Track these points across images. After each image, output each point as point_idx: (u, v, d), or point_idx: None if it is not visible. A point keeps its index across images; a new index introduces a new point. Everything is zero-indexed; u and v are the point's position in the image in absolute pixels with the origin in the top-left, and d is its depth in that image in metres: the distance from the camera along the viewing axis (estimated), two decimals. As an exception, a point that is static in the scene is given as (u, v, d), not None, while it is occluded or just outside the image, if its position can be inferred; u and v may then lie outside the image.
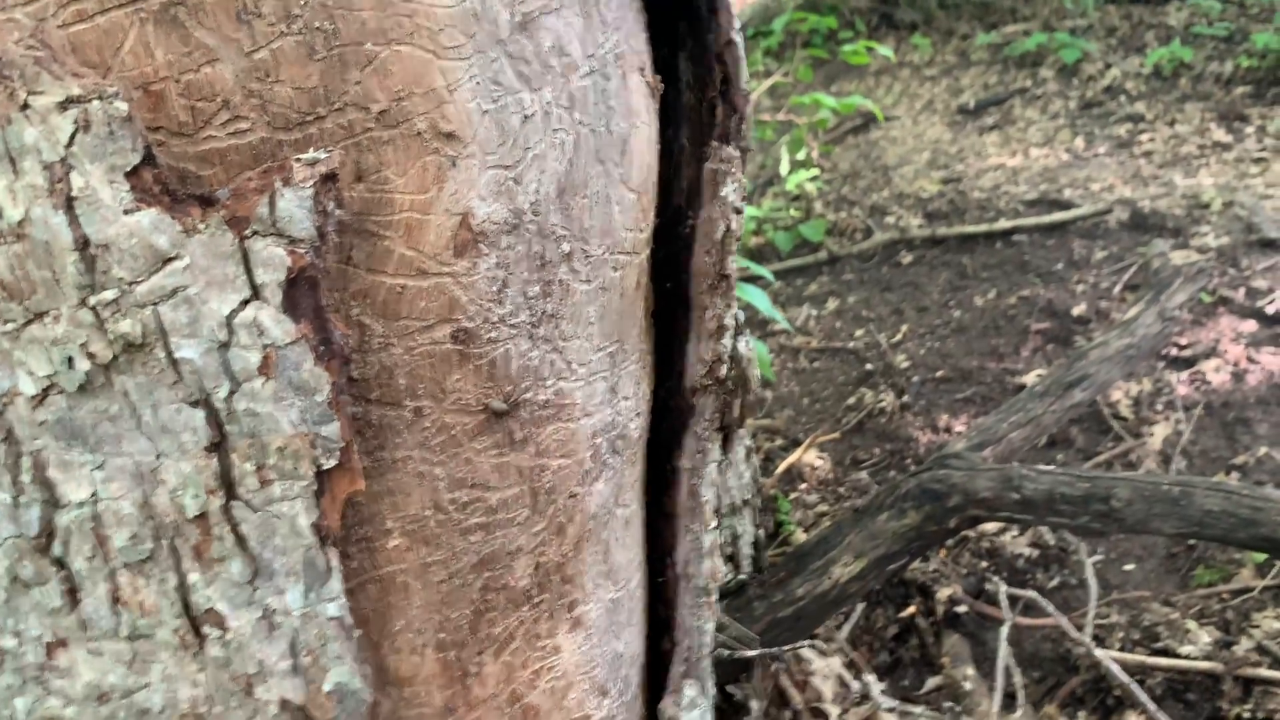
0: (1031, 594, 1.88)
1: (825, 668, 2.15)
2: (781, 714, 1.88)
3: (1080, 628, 2.01)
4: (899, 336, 3.88)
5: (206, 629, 0.62)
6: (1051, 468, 1.64)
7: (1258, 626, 2.48)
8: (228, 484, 0.58)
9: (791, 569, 1.87)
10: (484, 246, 0.63)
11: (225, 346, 0.55)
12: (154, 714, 0.65)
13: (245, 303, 0.54)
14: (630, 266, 0.75)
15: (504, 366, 0.68)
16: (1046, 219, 4.05)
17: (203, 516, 0.58)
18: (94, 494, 0.57)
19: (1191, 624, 2.53)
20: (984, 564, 2.96)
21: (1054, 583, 2.81)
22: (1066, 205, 4.12)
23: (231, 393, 0.56)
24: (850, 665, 2.23)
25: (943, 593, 2.83)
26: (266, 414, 0.57)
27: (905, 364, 3.72)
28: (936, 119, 5.39)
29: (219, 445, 0.57)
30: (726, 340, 0.84)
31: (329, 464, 0.60)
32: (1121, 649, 2.41)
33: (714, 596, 0.96)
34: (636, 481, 0.90)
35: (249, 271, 0.54)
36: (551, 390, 0.72)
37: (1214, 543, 1.92)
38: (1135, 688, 1.75)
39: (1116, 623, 2.53)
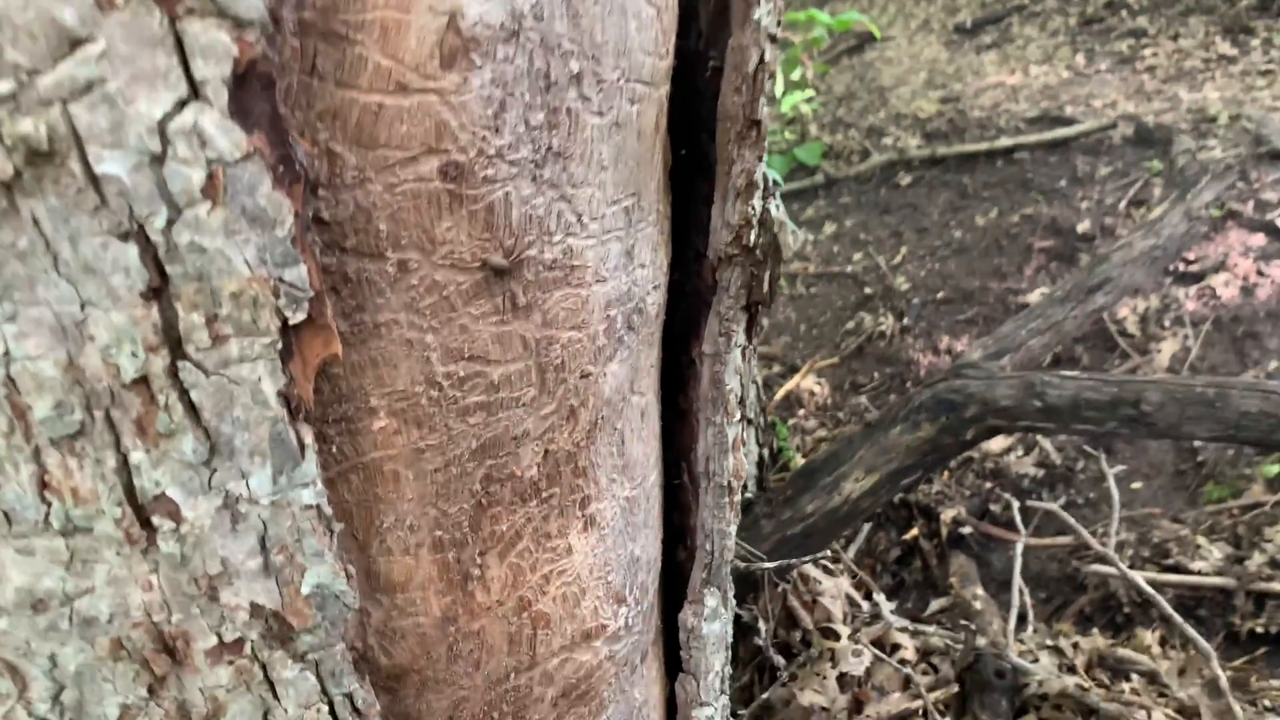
0: (1053, 506, 1.80)
1: (834, 588, 2.08)
2: (791, 635, 1.81)
3: (1102, 543, 1.94)
4: (898, 259, 3.78)
5: (157, 520, 0.51)
6: (1075, 373, 1.55)
7: (1270, 541, 2.43)
8: (172, 340, 0.48)
9: (800, 486, 1.79)
10: (476, 57, 0.52)
11: (159, 160, 0.43)
12: (101, 624, 0.55)
13: (182, 104, 0.43)
14: (649, 101, 0.64)
15: (503, 214, 0.58)
16: (1049, 135, 3.93)
17: (143, 381, 0.48)
18: (6, 352, 0.46)
19: (1202, 540, 2.47)
20: (988, 484, 2.91)
21: (1060, 502, 2.75)
22: (1069, 122, 3.99)
23: (170, 222, 0.45)
24: (859, 585, 2.17)
25: (947, 514, 2.77)
26: (215, 250, 0.46)
27: (905, 286, 3.63)
28: (933, 38, 5.22)
29: (159, 291, 0.46)
30: (756, 201, 0.73)
31: (296, 318, 0.49)
32: (1132, 566, 2.36)
33: (737, 496, 0.87)
34: (653, 368, 0.80)
35: (185, 63, 0.43)
36: (559, 248, 0.62)
37: (1251, 446, 1.84)
38: (1160, 600, 1.68)
39: (1126, 540, 2.47)
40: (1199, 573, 2.33)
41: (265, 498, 0.52)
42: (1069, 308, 1.78)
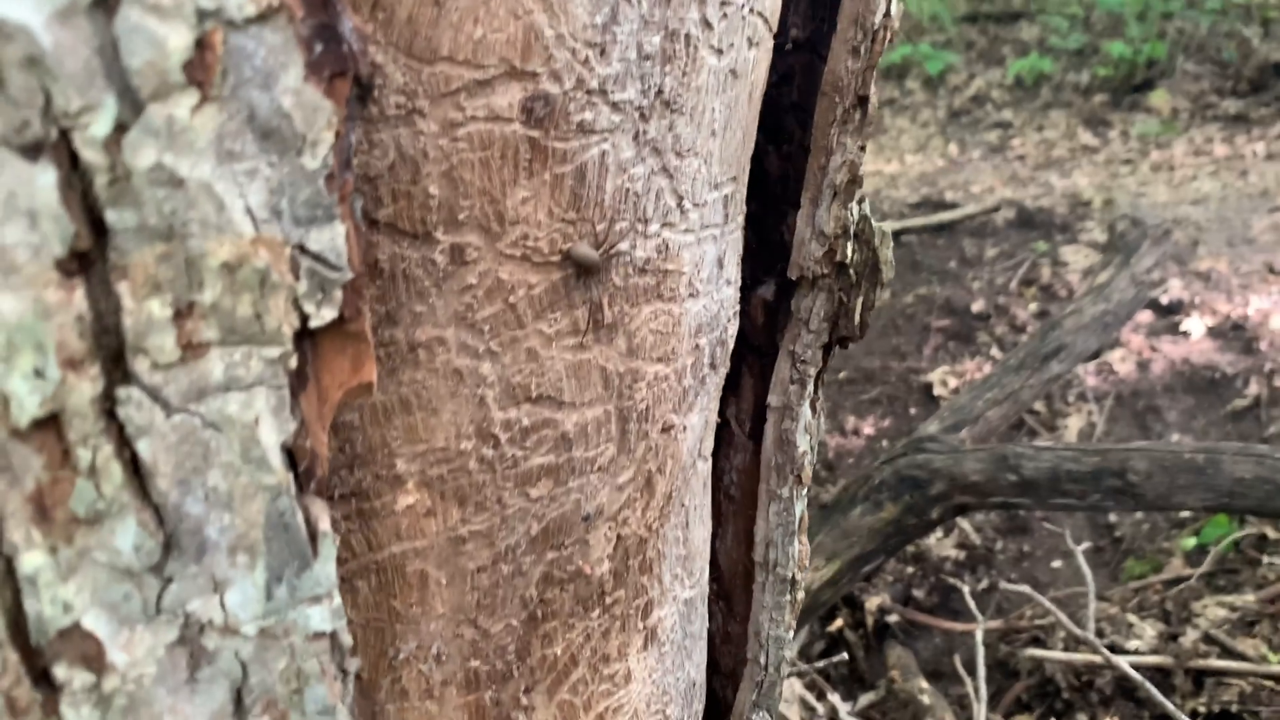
0: (1027, 589, 1.68)
1: (787, 692, 1.89)
2: (757, 750, 1.62)
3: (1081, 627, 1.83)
4: (799, 339, 3.73)
5: (62, 672, 0.29)
6: (1050, 444, 1.45)
7: (1200, 616, 2.40)
8: (109, 350, 0.27)
9: (758, 578, 1.61)
10: (591, -68, 0.35)
11: (107, 6, 0.24)
12: None
13: (156, -97, 0.24)
14: (763, 50, 0.47)
15: (596, 184, 0.39)
16: (934, 219, 4.00)
17: (52, 422, 0.27)
18: None
19: (1133, 618, 2.42)
20: (910, 569, 2.80)
21: (982, 585, 2.67)
22: (951, 206, 4.09)
23: (121, 128, 0.25)
24: (810, 685, 1.99)
25: (871, 602, 2.65)
26: (199, 184, 0.26)
27: (808, 367, 3.56)
28: (808, 128, 5.34)
29: (88, 259, 0.26)
30: (854, 205, 0.57)
31: (322, 316, 0.29)
32: (1065, 648, 2.28)
33: (800, 593, 0.69)
34: (715, 420, 0.61)
35: None
36: (654, 243, 0.44)
37: (1246, 514, 1.78)
38: (1151, 689, 1.57)
39: (1056, 621, 2.39)
40: (1136, 652, 2.27)
41: (250, 623, 0.31)
42: (1025, 376, 1.70)
